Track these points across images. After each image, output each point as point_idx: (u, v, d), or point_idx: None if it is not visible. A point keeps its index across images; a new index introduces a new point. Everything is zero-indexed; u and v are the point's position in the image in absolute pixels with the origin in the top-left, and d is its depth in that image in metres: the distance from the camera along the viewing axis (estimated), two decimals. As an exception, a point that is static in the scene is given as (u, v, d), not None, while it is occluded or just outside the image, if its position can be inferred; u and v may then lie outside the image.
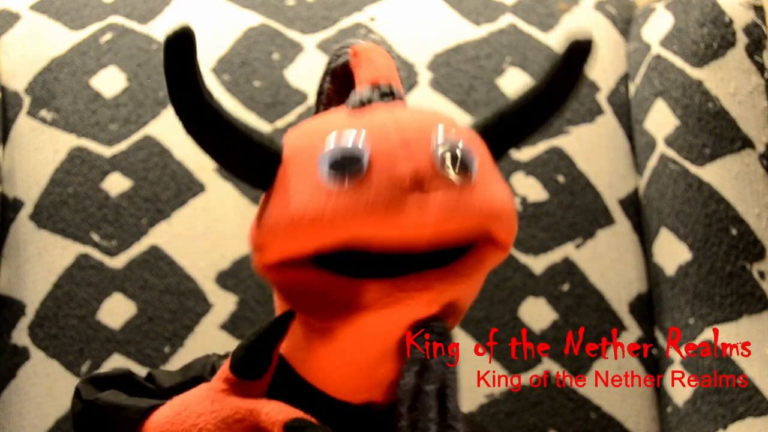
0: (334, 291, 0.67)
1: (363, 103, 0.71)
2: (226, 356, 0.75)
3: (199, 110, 0.68)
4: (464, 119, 1.01)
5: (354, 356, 0.69)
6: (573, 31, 0.72)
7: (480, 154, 0.70)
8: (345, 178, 0.66)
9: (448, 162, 0.67)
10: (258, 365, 0.69)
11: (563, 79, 0.72)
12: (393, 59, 0.75)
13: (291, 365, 0.72)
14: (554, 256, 1.03)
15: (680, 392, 0.99)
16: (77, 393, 0.72)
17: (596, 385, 1.01)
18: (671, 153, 1.03)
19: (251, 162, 0.69)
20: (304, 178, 0.67)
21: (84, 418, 0.71)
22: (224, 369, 0.69)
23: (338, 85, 0.76)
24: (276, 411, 0.67)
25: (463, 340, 1.00)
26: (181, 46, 0.67)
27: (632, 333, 1.03)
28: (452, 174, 0.67)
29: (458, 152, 0.68)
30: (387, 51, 0.75)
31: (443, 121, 0.70)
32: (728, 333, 0.98)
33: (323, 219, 0.66)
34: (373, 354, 0.69)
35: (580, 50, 0.72)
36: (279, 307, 0.73)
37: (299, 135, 0.70)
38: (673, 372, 1.00)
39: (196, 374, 0.75)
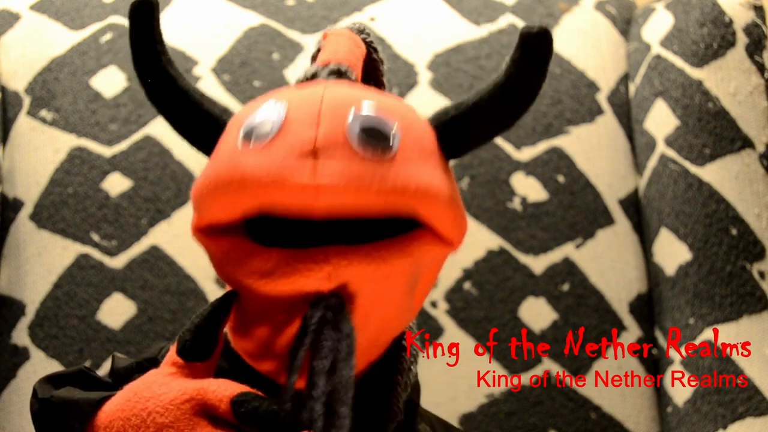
0: (244, 257, 0.68)
1: (306, 80, 0.72)
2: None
3: (157, 75, 0.71)
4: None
5: (263, 328, 0.69)
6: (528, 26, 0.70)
7: (412, 141, 0.68)
8: (253, 145, 0.67)
9: (357, 137, 0.66)
10: (203, 347, 0.70)
11: (522, 75, 0.70)
12: (366, 47, 0.76)
13: (229, 341, 0.73)
14: (554, 256, 1.03)
15: (680, 392, 0.99)
16: (34, 392, 0.73)
17: (596, 385, 1.01)
18: (671, 153, 1.03)
19: (200, 129, 0.72)
20: (226, 144, 0.69)
21: (41, 416, 0.72)
22: (171, 353, 0.70)
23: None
24: (223, 387, 0.67)
25: (463, 340, 1.00)
26: (143, 13, 0.71)
27: (632, 333, 1.03)
28: (358, 146, 0.66)
29: (375, 130, 0.67)
30: (362, 38, 0.76)
31: (382, 101, 0.69)
32: (728, 333, 0.98)
33: (227, 179, 0.67)
34: (277, 326, 0.68)
35: (533, 41, 0.69)
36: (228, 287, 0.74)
37: (246, 106, 0.72)
38: (673, 372, 1.00)
39: (150, 356, 0.76)
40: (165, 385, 0.69)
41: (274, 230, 0.68)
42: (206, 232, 0.70)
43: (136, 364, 0.75)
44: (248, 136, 0.68)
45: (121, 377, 0.75)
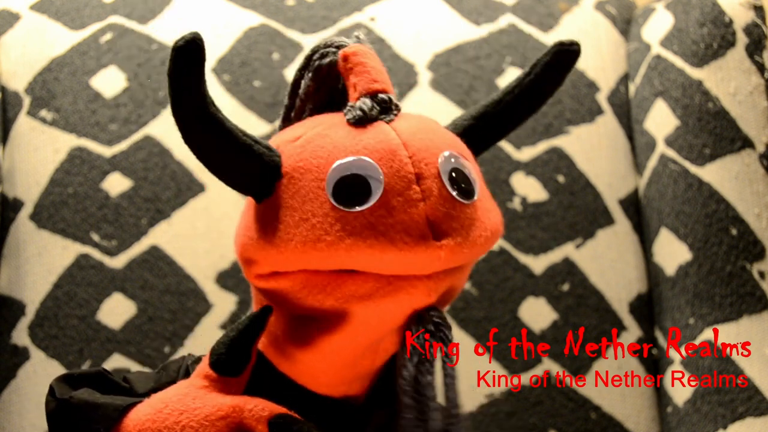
0: (331, 284, 0.67)
1: (363, 117, 0.70)
2: (199, 359, 0.75)
3: (202, 120, 0.67)
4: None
5: (345, 348, 0.69)
6: (566, 39, 0.74)
7: (477, 172, 0.71)
8: (358, 205, 0.66)
9: (451, 185, 0.68)
10: (237, 362, 0.69)
11: (546, 81, 0.73)
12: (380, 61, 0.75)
13: (268, 360, 0.72)
14: (554, 256, 1.03)
15: (680, 392, 0.99)
16: (51, 391, 0.72)
17: (596, 385, 1.01)
18: (671, 153, 1.02)
19: (249, 174, 0.69)
20: (310, 203, 0.67)
21: (58, 417, 0.71)
22: (203, 366, 0.69)
23: (320, 82, 0.75)
24: (260, 407, 0.67)
25: (463, 340, 1.00)
26: (190, 55, 0.65)
27: (632, 333, 1.03)
28: (460, 200, 0.68)
29: (461, 174, 0.69)
30: (374, 52, 0.75)
31: (445, 141, 0.70)
32: (728, 333, 0.98)
33: (337, 246, 0.66)
34: (365, 345, 0.69)
35: (567, 54, 0.73)
36: (257, 302, 0.73)
37: (299, 151, 0.69)
38: (673, 372, 1.00)
39: (170, 380, 0.74)
40: (199, 399, 0.68)
41: None
42: (270, 276, 0.69)
43: (156, 389, 0.73)
44: (344, 197, 0.66)
45: (138, 394, 0.73)
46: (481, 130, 0.74)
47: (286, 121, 0.77)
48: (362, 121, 0.70)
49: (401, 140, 0.68)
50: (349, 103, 0.71)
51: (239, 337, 0.69)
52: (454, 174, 0.68)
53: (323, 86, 0.75)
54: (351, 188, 0.66)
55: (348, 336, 0.68)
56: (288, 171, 0.68)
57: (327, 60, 0.74)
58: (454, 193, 0.68)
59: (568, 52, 0.73)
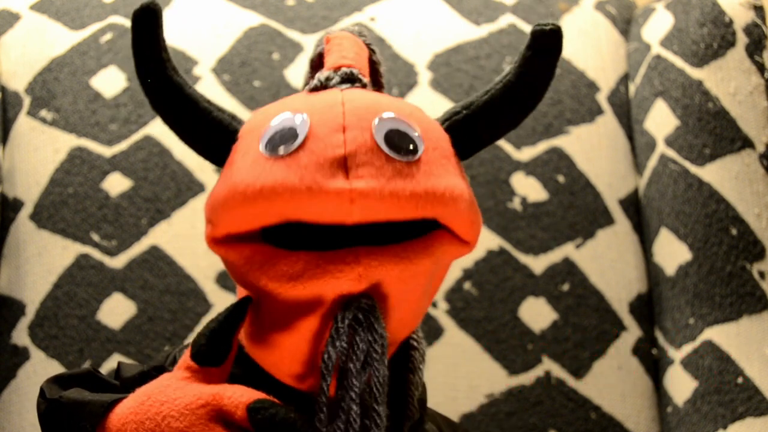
0: (269, 262, 0.67)
1: (320, 86, 0.71)
2: (187, 346, 0.76)
3: (162, 84, 0.70)
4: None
5: (286, 333, 0.69)
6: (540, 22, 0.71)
7: (433, 144, 0.69)
8: (280, 154, 0.66)
9: (384, 142, 0.67)
10: (218, 352, 0.69)
11: (533, 72, 0.70)
12: (367, 48, 0.76)
13: (246, 351, 0.72)
14: (554, 256, 1.03)
15: (680, 392, 0.99)
16: (42, 393, 0.73)
17: (596, 385, 1.01)
18: (671, 153, 1.03)
19: (209, 138, 0.71)
20: (247, 154, 0.68)
21: (49, 417, 0.72)
22: (185, 357, 0.70)
23: (315, 71, 0.76)
24: (239, 394, 0.67)
25: (463, 340, 1.00)
26: (147, 20, 0.69)
27: (632, 333, 1.03)
28: (387, 150, 0.66)
29: (400, 134, 0.67)
30: (362, 40, 0.75)
31: (401, 107, 0.70)
32: (728, 333, 0.98)
33: (254, 190, 0.66)
34: (304, 330, 0.68)
35: (545, 40, 0.70)
36: (240, 294, 0.74)
37: (254, 115, 0.71)
38: (673, 372, 1.00)
39: (157, 364, 0.75)
40: (180, 389, 0.68)
41: (291, 235, 0.68)
42: (223, 242, 0.69)
43: (143, 373, 0.75)
44: (271, 146, 0.67)
45: (127, 387, 0.74)
46: (465, 119, 0.71)
47: None
48: (317, 89, 0.71)
49: (343, 99, 0.69)
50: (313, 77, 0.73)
51: (219, 328, 0.70)
52: (392, 133, 0.67)
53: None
54: (279, 138, 0.67)
55: (283, 319, 0.68)
56: (241, 133, 0.70)
57: (318, 50, 0.76)
58: (383, 147, 0.66)
59: (545, 33, 0.69)
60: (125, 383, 0.74)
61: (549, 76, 0.71)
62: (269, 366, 0.71)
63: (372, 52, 0.78)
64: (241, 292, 0.73)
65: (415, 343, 0.74)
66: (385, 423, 0.67)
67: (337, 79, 0.72)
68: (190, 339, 0.99)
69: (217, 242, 0.70)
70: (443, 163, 0.69)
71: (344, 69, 0.72)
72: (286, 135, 0.67)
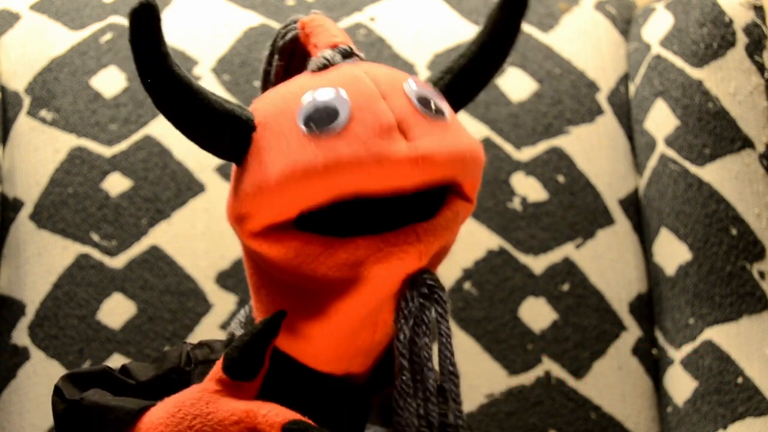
0: (326, 252, 0.67)
1: (326, 65, 0.71)
2: (200, 345, 0.75)
3: (166, 81, 0.68)
4: (464, 119, 1.01)
5: (343, 319, 0.69)
6: None
7: (449, 109, 0.72)
8: (330, 130, 0.67)
9: (424, 106, 0.69)
10: (251, 366, 0.69)
11: (502, 31, 0.74)
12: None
13: (279, 349, 0.72)
14: (554, 256, 1.03)
15: (680, 392, 0.99)
16: (58, 391, 0.72)
17: (596, 385, 1.01)
18: (671, 153, 1.03)
19: (223, 132, 0.69)
20: (285, 139, 0.68)
21: (68, 419, 0.70)
22: (217, 370, 0.69)
23: (287, 60, 0.77)
24: (274, 413, 0.66)
25: (463, 339, 1.00)
26: (145, 17, 0.67)
27: (632, 333, 1.03)
28: (427, 114, 0.68)
29: (427, 99, 0.69)
30: (331, 20, 0.77)
31: (412, 75, 0.72)
32: (728, 333, 0.98)
33: (316, 169, 0.66)
34: (362, 315, 0.69)
35: (514, 3, 0.73)
36: (255, 299, 0.73)
37: (269, 102, 0.71)
38: (673, 372, 1.00)
39: (172, 365, 0.74)
40: (212, 403, 0.67)
41: (329, 222, 0.68)
42: (262, 236, 0.69)
43: (159, 377, 0.73)
44: (315, 123, 0.67)
45: (143, 390, 0.73)
46: (450, 83, 0.74)
47: None
48: (325, 67, 0.71)
49: (364, 71, 0.70)
50: (312, 58, 0.73)
51: (253, 341, 0.69)
52: (421, 96, 0.69)
53: (291, 65, 0.76)
54: (320, 114, 0.67)
55: (344, 306, 0.68)
56: (260, 120, 0.69)
57: (289, 36, 0.76)
58: (422, 110, 0.68)
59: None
60: (142, 386, 0.73)
61: (516, 33, 0.75)
62: (302, 352, 0.71)
63: None
64: (256, 299, 0.73)
65: None
66: (460, 385, 0.69)
67: (338, 57, 0.72)
68: (190, 339, 0.99)
69: (256, 237, 0.69)
70: (459, 122, 0.72)
71: (341, 46, 0.73)
72: (327, 110, 0.67)
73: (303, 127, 0.67)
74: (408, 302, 0.68)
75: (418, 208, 0.69)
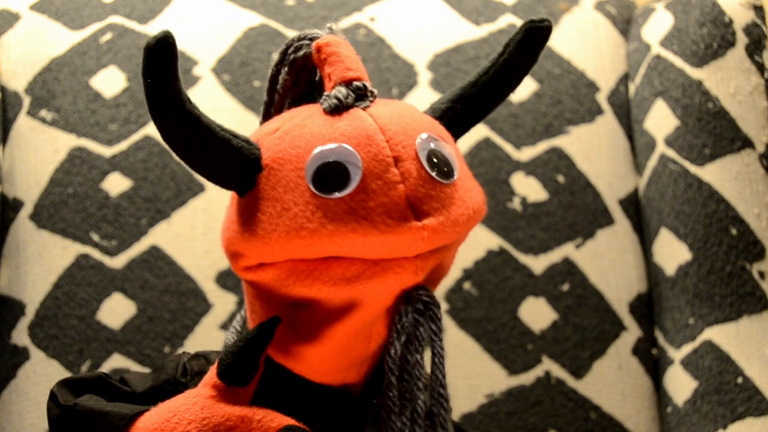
0: (319, 268, 0.67)
1: (339, 105, 0.70)
2: (196, 356, 0.75)
3: (179, 117, 0.67)
4: (464, 119, 1.01)
5: (337, 332, 0.69)
6: (536, 17, 0.74)
7: (457, 154, 0.71)
8: (338, 191, 0.66)
9: (428, 165, 0.68)
10: (245, 372, 0.69)
11: (520, 60, 0.74)
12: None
13: (266, 353, 0.72)
14: (554, 256, 1.03)
15: (680, 392, 0.99)
16: (53, 397, 0.72)
17: (596, 385, 1.01)
18: (671, 153, 1.03)
19: (230, 169, 0.69)
20: (291, 194, 0.67)
21: (62, 424, 0.71)
22: (211, 375, 0.69)
23: (296, 75, 0.76)
24: (268, 418, 0.66)
25: (463, 340, 1.00)
26: (162, 53, 0.66)
27: (632, 333, 1.03)
28: (438, 180, 0.68)
29: (438, 155, 0.69)
30: (347, 42, 0.75)
31: (422, 124, 0.71)
32: (728, 333, 0.98)
33: (320, 235, 0.66)
34: (357, 328, 0.69)
35: (537, 36, 0.73)
36: (250, 309, 0.73)
37: (278, 143, 0.70)
38: (673, 372, 1.00)
39: (168, 377, 0.74)
40: (207, 408, 0.67)
41: None
42: (257, 267, 0.69)
43: (155, 388, 0.74)
44: (322, 183, 0.67)
45: (139, 400, 0.73)
46: (459, 113, 0.74)
47: (266, 117, 0.78)
48: (338, 109, 0.70)
49: (377, 125, 0.69)
50: (325, 93, 0.72)
51: (247, 347, 0.69)
52: (432, 155, 0.69)
53: (300, 79, 0.76)
54: (330, 175, 0.67)
55: (338, 319, 0.68)
56: (268, 163, 0.69)
57: (301, 53, 0.75)
58: (433, 174, 0.68)
59: (539, 29, 0.74)
60: (138, 396, 0.73)
61: (532, 65, 0.75)
62: (298, 365, 0.71)
63: None
64: (249, 303, 0.73)
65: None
66: (451, 407, 0.69)
67: (352, 96, 0.71)
68: (190, 339, 0.99)
69: (248, 270, 0.70)
70: (467, 171, 0.71)
71: (356, 83, 0.71)
72: (337, 171, 0.67)
73: (311, 185, 0.67)
74: (402, 317, 0.68)
75: None
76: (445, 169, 0.69)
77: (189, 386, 0.73)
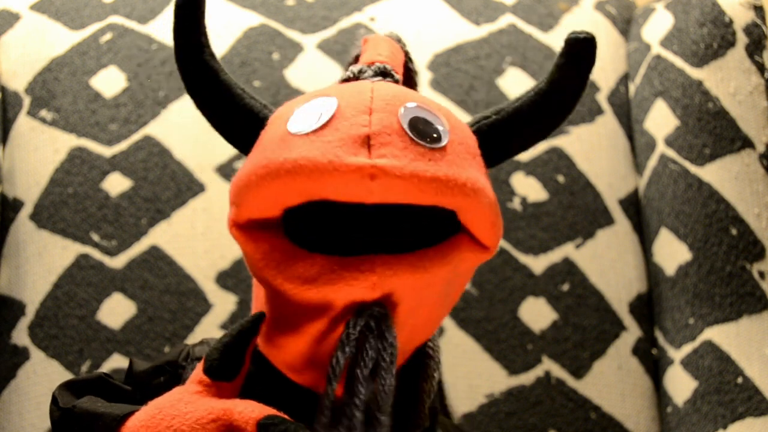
0: (286, 261, 0.67)
1: (352, 78, 0.72)
2: (200, 343, 0.76)
3: (199, 68, 0.72)
4: (464, 119, 1.01)
5: (296, 330, 0.69)
6: (574, 29, 0.71)
7: (459, 139, 0.69)
8: (304, 130, 0.67)
9: (409, 127, 0.67)
10: (231, 367, 0.69)
11: (566, 81, 0.70)
12: (402, 51, 0.77)
13: (260, 351, 0.73)
14: (554, 256, 1.03)
15: (680, 392, 0.99)
16: (54, 400, 0.73)
17: (596, 385, 1.01)
18: (671, 153, 1.03)
19: (239, 123, 0.72)
20: (274, 134, 0.69)
21: (62, 426, 0.72)
22: (198, 371, 0.70)
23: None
24: (249, 409, 0.67)
25: (463, 340, 1.00)
26: (189, 7, 0.71)
27: (632, 333, 1.03)
28: (411, 134, 0.67)
29: (425, 122, 0.68)
30: (397, 42, 0.77)
31: (429, 101, 0.70)
32: (728, 333, 0.98)
33: (277, 164, 0.66)
34: (314, 330, 0.68)
35: (580, 48, 0.70)
36: (254, 295, 0.74)
37: (285, 104, 0.72)
38: (673, 372, 1.00)
39: (170, 359, 0.76)
40: (191, 403, 0.68)
41: (313, 231, 0.68)
42: (245, 229, 0.69)
43: (156, 367, 0.75)
44: (296, 126, 0.68)
45: (140, 382, 0.74)
46: (494, 124, 0.71)
47: None
48: (348, 81, 0.72)
49: (373, 88, 0.69)
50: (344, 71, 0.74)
51: (232, 343, 0.70)
52: (416, 120, 0.67)
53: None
54: (306, 117, 0.68)
55: (300, 319, 0.68)
56: (270, 120, 0.71)
57: (355, 52, 0.78)
58: (408, 132, 0.67)
59: (580, 40, 0.70)
60: (139, 379, 0.75)
61: (581, 86, 0.71)
62: (286, 369, 0.71)
63: (409, 59, 0.79)
64: (257, 299, 0.73)
65: (430, 351, 0.73)
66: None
67: (369, 72, 0.73)
68: (190, 339, 0.99)
69: (239, 228, 0.70)
70: (467, 158, 0.69)
71: (378, 64, 0.73)
72: (312, 116, 0.68)
73: (289, 127, 0.68)
74: (348, 328, 0.67)
75: (418, 243, 0.68)
76: (428, 135, 0.67)
77: (188, 369, 0.74)
